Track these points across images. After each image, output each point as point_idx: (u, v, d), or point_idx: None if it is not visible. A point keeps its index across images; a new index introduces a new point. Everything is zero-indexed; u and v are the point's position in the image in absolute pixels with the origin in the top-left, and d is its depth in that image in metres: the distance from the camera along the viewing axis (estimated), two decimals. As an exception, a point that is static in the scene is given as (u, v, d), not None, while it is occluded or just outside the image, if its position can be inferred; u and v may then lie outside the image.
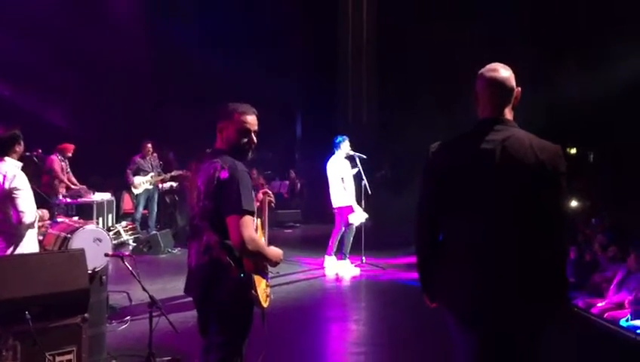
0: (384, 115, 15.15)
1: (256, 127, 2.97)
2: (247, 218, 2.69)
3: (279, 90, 14.64)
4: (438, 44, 12.18)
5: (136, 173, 10.70)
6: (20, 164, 4.13)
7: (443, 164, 2.53)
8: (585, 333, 5.89)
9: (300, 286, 7.43)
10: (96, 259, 4.32)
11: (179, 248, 9.52)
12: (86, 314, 3.47)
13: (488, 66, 2.57)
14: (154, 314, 4.15)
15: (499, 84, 2.51)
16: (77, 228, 4.38)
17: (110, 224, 10.33)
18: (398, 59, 14.38)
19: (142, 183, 10.69)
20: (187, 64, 13.08)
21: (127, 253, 4.68)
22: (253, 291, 2.83)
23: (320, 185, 8.35)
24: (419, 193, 2.61)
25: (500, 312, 2.40)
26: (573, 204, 12.37)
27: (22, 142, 4.12)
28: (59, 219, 4.74)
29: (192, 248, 2.90)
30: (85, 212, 9.58)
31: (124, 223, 10.46)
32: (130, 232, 10.19)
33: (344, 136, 8.16)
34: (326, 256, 8.13)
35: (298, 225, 13.12)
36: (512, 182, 2.41)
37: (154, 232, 9.97)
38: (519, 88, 2.57)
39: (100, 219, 9.94)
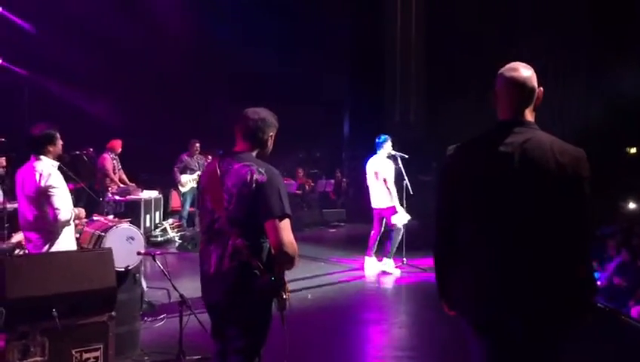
0: (432, 113, 14.92)
1: None
2: (288, 221, 2.71)
3: (327, 89, 14.63)
4: (488, 40, 11.87)
5: (184, 171, 10.90)
6: (57, 163, 4.23)
7: (460, 167, 2.44)
8: (633, 343, 5.63)
9: (338, 287, 7.38)
10: (129, 257, 4.40)
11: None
12: (113, 313, 3.52)
13: (508, 65, 2.45)
14: (184, 313, 4.22)
15: (519, 85, 2.40)
16: (111, 227, 4.46)
17: (157, 221, 10.56)
18: (447, 56, 14.13)
19: (189, 181, 10.86)
20: (235, 62, 13.19)
21: (158, 252, 4.72)
22: (284, 294, 2.79)
23: (366, 184, 8.26)
24: (436, 198, 2.52)
25: (514, 322, 2.29)
26: (632, 205, 11.86)
27: (58, 142, 4.21)
28: (94, 218, 4.84)
29: (212, 253, 2.81)
30: (133, 209, 9.81)
31: (170, 220, 10.65)
32: (176, 229, 10.37)
33: (386, 136, 8.00)
34: (366, 257, 8.04)
35: (343, 224, 13.05)
36: (531, 188, 2.29)
37: (186, 233, 10.13)
38: (541, 88, 2.45)
39: (148, 217, 10.18)
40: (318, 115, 15.00)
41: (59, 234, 4.07)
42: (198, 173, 10.92)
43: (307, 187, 13.80)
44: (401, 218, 7.84)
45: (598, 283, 7.26)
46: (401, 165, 7.99)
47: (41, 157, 4.12)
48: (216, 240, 2.80)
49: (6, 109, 11.15)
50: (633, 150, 14.43)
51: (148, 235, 9.93)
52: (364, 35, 15.17)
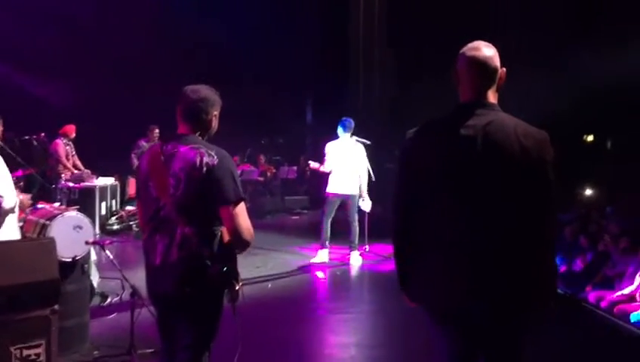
0: (398, 100, 14.82)
1: None
2: (243, 205, 2.59)
3: (291, 74, 14.43)
4: (453, 12, 11.75)
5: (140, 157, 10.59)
6: (-3, 146, 3.97)
7: (420, 151, 2.32)
8: (591, 328, 5.69)
9: (300, 276, 7.25)
10: (77, 247, 4.18)
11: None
12: (56, 306, 3.31)
13: (470, 44, 2.34)
14: (137, 305, 4.03)
15: (481, 64, 2.29)
16: (56, 215, 4.22)
17: (114, 209, 10.25)
18: (413, 40, 13.99)
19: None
20: (197, 43, 12.86)
21: (108, 241, 4.51)
22: (237, 285, 2.65)
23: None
24: (395, 184, 2.40)
25: (480, 308, 2.22)
26: (588, 192, 12.04)
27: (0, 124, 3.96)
28: (39, 206, 4.58)
29: (157, 243, 2.64)
30: (87, 197, 9.49)
31: (128, 208, 10.35)
32: (133, 217, 10.07)
33: (349, 119, 7.76)
34: (354, 252, 7.78)
35: (305, 211, 12.94)
36: (494, 172, 2.20)
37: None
38: (504, 69, 2.35)
39: (103, 204, 9.86)
40: (281, 101, 14.83)
41: (1, 223, 3.81)
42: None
43: (269, 174, 13.62)
44: (368, 204, 7.70)
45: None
46: (363, 151, 7.86)
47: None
48: (162, 230, 2.63)
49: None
50: (590, 138, 14.65)
51: (104, 223, 9.65)
52: (329, 20, 14.99)
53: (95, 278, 5.22)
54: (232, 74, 13.41)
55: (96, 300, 5.29)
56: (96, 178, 10.01)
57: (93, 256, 4.90)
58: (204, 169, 2.53)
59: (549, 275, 2.29)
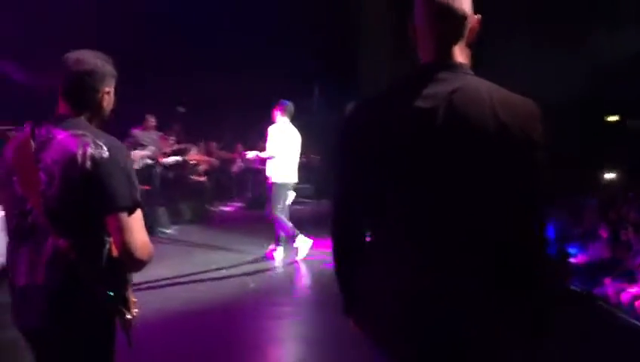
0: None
1: None
2: (139, 214, 1.97)
3: (297, 63, 13.82)
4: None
5: (134, 147, 10.11)
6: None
7: (363, 131, 1.73)
8: (609, 327, 5.11)
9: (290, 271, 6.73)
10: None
11: (175, 228, 8.99)
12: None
13: None
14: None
15: (444, 9, 1.67)
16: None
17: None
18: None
19: (141, 158, 10.10)
20: (192, 30, 12.32)
21: None
22: (128, 314, 2.04)
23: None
24: (333, 174, 1.83)
25: (443, 330, 1.62)
26: (609, 176, 11.31)
27: None
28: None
29: (21, 257, 2.00)
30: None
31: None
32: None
33: (288, 102, 7.09)
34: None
35: (309, 201, 12.39)
36: (461, 157, 1.61)
37: (147, 213, 9.39)
38: (478, 16, 1.74)
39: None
40: (288, 89, 14.25)
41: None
42: (151, 147, 10.18)
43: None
44: (292, 195, 7.25)
45: (574, 260, 6.73)
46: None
47: None
48: (28, 241, 1.98)
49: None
50: (614, 118, 13.83)
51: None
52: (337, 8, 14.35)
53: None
54: (236, 60, 12.87)
55: None
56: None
57: None
58: (88, 163, 1.89)
59: (539, 297, 1.67)
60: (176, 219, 9.47)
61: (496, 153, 1.59)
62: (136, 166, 9.65)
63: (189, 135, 12.18)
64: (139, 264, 1.99)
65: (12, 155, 2.05)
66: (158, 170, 10.42)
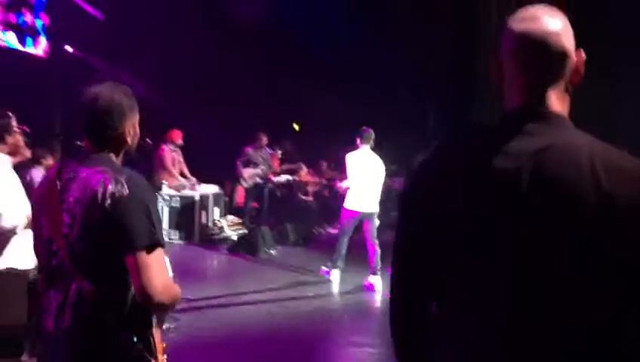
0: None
1: None
2: (159, 254, 1.85)
3: (412, 76, 13.45)
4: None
5: (247, 165, 10.27)
6: (7, 159, 3.57)
7: (430, 191, 1.40)
8: None
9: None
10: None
11: (277, 248, 8.93)
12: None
13: (521, 11, 1.38)
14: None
15: (536, 44, 1.32)
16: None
17: (216, 218, 10.00)
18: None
19: (252, 176, 10.24)
20: (313, 46, 12.37)
21: None
22: (156, 359, 1.92)
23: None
24: (395, 235, 1.51)
25: None
26: None
27: (14, 131, 3.55)
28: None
29: (50, 300, 1.93)
30: (188, 205, 9.34)
31: (230, 218, 10.05)
32: (234, 227, 9.75)
33: (368, 129, 6.95)
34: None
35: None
36: (548, 233, 1.24)
37: (246, 232, 9.48)
38: (581, 52, 1.36)
39: (204, 213, 9.64)
40: (402, 104, 13.92)
41: (5, 244, 3.41)
42: (263, 167, 10.29)
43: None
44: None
45: None
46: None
47: (-10, 150, 3.48)
48: (55, 283, 1.91)
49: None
50: None
51: (203, 233, 9.42)
52: (455, 19, 13.81)
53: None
54: (348, 78, 12.77)
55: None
56: (199, 186, 9.83)
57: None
58: (108, 201, 1.81)
59: None
60: (280, 239, 9.41)
61: (595, 232, 1.20)
62: (246, 184, 9.91)
63: (301, 153, 12.20)
64: (159, 307, 1.89)
65: (40, 196, 2.02)
66: (268, 189, 10.52)
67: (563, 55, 1.33)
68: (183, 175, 9.92)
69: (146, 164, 9.91)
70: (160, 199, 9.30)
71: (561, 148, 1.27)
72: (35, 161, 7.97)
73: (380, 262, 6.82)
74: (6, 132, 3.52)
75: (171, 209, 9.38)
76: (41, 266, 2.04)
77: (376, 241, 6.88)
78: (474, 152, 1.36)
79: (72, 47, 11.28)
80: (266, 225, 10.10)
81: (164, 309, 1.94)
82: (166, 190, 9.41)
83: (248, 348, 4.98)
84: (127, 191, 1.83)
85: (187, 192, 9.51)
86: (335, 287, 7.01)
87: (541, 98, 1.34)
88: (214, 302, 6.21)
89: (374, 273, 6.88)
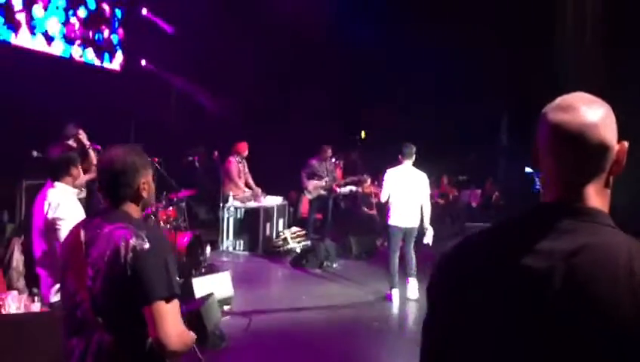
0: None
1: None
2: (174, 305, 1.99)
3: (483, 79, 13.10)
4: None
5: (311, 177, 10.30)
6: (74, 191, 3.71)
7: (455, 287, 1.32)
8: None
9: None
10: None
11: (340, 262, 8.89)
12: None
13: (559, 100, 1.28)
14: None
15: (573, 139, 1.22)
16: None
17: (280, 229, 10.09)
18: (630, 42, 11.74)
19: (316, 188, 10.26)
20: (366, 55, 12.29)
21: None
22: None
23: (519, 197, 7.04)
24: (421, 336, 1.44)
25: None
26: None
27: (76, 167, 3.70)
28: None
29: (73, 348, 2.05)
30: (253, 217, 9.47)
31: (293, 229, 10.11)
32: (297, 239, 9.80)
33: (409, 145, 7.06)
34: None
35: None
36: (579, 343, 1.13)
37: (310, 244, 9.49)
38: (624, 144, 1.25)
39: (268, 225, 9.74)
40: (473, 108, 13.57)
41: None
42: (326, 179, 10.29)
43: (451, 196, 12.44)
44: (430, 235, 6.99)
45: None
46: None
47: (56, 183, 3.63)
48: (79, 334, 2.03)
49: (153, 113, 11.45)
50: None
51: (267, 244, 9.51)
52: (529, 21, 13.29)
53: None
54: (417, 83, 12.59)
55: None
56: (264, 197, 9.95)
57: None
58: (130, 255, 1.93)
59: None
60: (343, 252, 9.39)
61: (630, 341, 1.09)
62: (310, 196, 9.94)
63: (366, 165, 12.13)
64: (172, 355, 1.99)
65: (66, 249, 2.15)
66: (332, 200, 10.52)
67: (602, 149, 1.22)
68: (248, 186, 10.07)
69: (213, 176, 10.18)
70: (225, 210, 9.50)
71: (596, 250, 1.16)
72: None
73: (414, 268, 7.00)
74: (72, 165, 3.66)
75: (236, 220, 9.53)
76: (65, 314, 2.13)
77: (413, 254, 7.04)
78: (503, 248, 1.27)
79: (145, 60, 11.70)
80: (329, 237, 10.13)
81: (176, 355, 2.02)
82: (231, 201, 9.57)
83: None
84: (148, 245, 1.95)
85: (252, 204, 9.64)
86: (395, 309, 6.90)
87: (578, 193, 1.24)
88: (272, 312, 6.38)
89: (410, 276, 7.04)
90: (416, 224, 6.96)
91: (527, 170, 12.44)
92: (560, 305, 1.15)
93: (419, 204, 6.92)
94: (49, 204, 3.53)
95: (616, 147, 1.25)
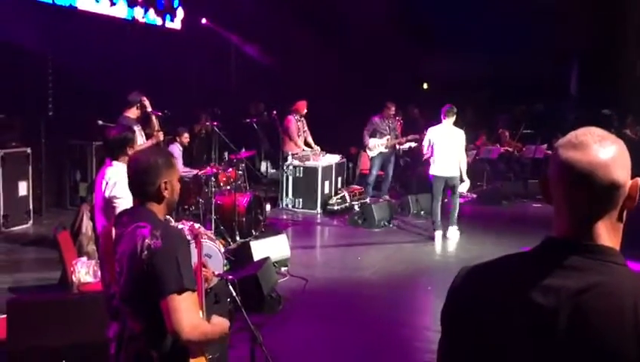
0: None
1: None
2: (189, 297, 2.11)
3: (551, 34, 12.47)
4: None
5: (373, 134, 10.22)
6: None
7: (464, 319, 1.34)
8: None
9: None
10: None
11: (397, 221, 8.92)
12: None
13: (569, 136, 1.25)
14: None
15: (582, 178, 1.20)
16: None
17: (339, 187, 10.15)
18: None
19: (376, 146, 10.20)
20: (441, 14, 11.91)
21: (231, 276, 4.11)
22: None
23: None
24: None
25: None
26: None
27: (135, 145, 3.86)
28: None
29: (112, 329, 2.28)
30: (311, 175, 9.58)
31: (352, 187, 10.16)
32: (357, 197, 9.85)
33: (449, 106, 7.93)
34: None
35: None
36: None
37: (367, 201, 9.49)
38: (637, 180, 1.22)
39: (327, 183, 9.83)
40: (541, 61, 12.97)
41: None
42: (388, 137, 10.18)
43: (516, 152, 12.01)
44: (467, 185, 8.19)
45: None
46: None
47: (114, 162, 3.81)
48: (116, 319, 2.26)
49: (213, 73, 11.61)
50: None
51: (325, 203, 9.63)
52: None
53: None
54: (483, 38, 12.12)
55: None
56: (323, 155, 10.00)
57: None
58: (145, 253, 2.10)
59: None
60: (402, 211, 9.39)
61: None
62: (370, 153, 9.93)
63: (426, 120, 11.92)
64: (189, 343, 2.13)
65: (103, 246, 2.36)
66: (392, 159, 10.44)
67: (612, 188, 1.19)
68: (307, 144, 10.13)
69: (272, 135, 10.31)
70: (285, 168, 9.65)
71: (604, 291, 1.15)
72: (174, 137, 8.69)
73: (456, 216, 8.07)
74: (129, 144, 3.83)
75: (295, 178, 9.68)
76: (105, 300, 2.35)
77: (458, 205, 8.10)
78: (511, 283, 1.28)
79: (206, 19, 11.79)
80: (388, 194, 10.13)
81: (192, 345, 2.16)
82: (290, 160, 9.70)
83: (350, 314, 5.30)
84: (161, 243, 2.10)
85: (310, 162, 9.72)
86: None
87: (588, 230, 1.22)
88: (328, 273, 6.63)
89: (451, 225, 8.07)
90: (456, 173, 7.90)
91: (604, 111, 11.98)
92: (565, 345, 1.16)
93: (457, 157, 7.88)
94: (106, 183, 3.73)
95: (628, 183, 1.21)
